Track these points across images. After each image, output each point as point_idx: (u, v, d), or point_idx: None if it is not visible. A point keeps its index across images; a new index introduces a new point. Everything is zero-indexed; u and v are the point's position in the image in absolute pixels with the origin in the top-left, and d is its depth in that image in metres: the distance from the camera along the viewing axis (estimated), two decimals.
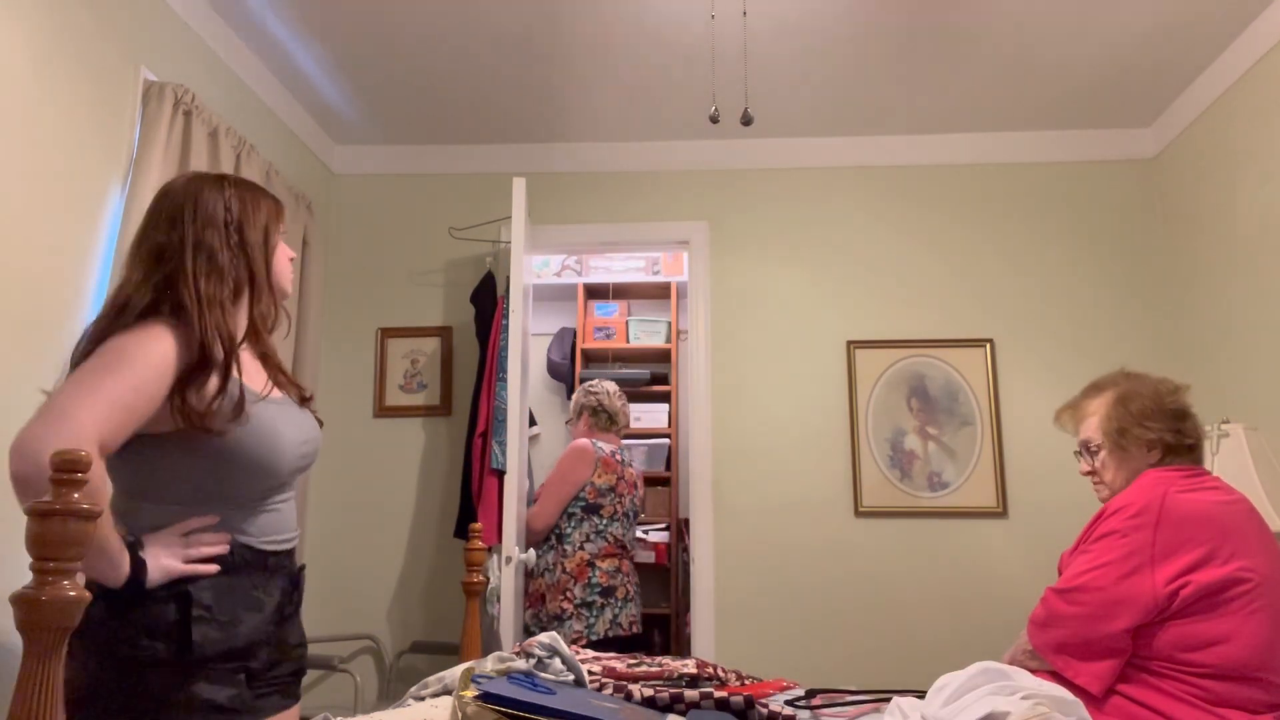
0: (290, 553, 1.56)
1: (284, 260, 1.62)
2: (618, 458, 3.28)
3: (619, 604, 3.10)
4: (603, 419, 3.32)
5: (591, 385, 3.43)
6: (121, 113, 2.43)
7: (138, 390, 1.31)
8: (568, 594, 3.05)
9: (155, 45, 2.59)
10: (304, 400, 1.62)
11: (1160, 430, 1.89)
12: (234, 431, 1.41)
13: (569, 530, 3.15)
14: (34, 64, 2.10)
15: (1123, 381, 1.98)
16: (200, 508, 1.42)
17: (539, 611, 3.10)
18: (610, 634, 3.03)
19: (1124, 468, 1.94)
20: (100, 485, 1.26)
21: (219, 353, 1.40)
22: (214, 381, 1.39)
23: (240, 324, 1.52)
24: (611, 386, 3.43)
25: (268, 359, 1.58)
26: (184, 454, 1.40)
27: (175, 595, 1.35)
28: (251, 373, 1.51)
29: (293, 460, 1.51)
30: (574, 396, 3.47)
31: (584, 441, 3.24)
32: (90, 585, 1.32)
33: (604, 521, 3.17)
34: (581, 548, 3.12)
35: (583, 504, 3.16)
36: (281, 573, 1.53)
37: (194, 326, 1.40)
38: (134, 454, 1.39)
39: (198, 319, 1.41)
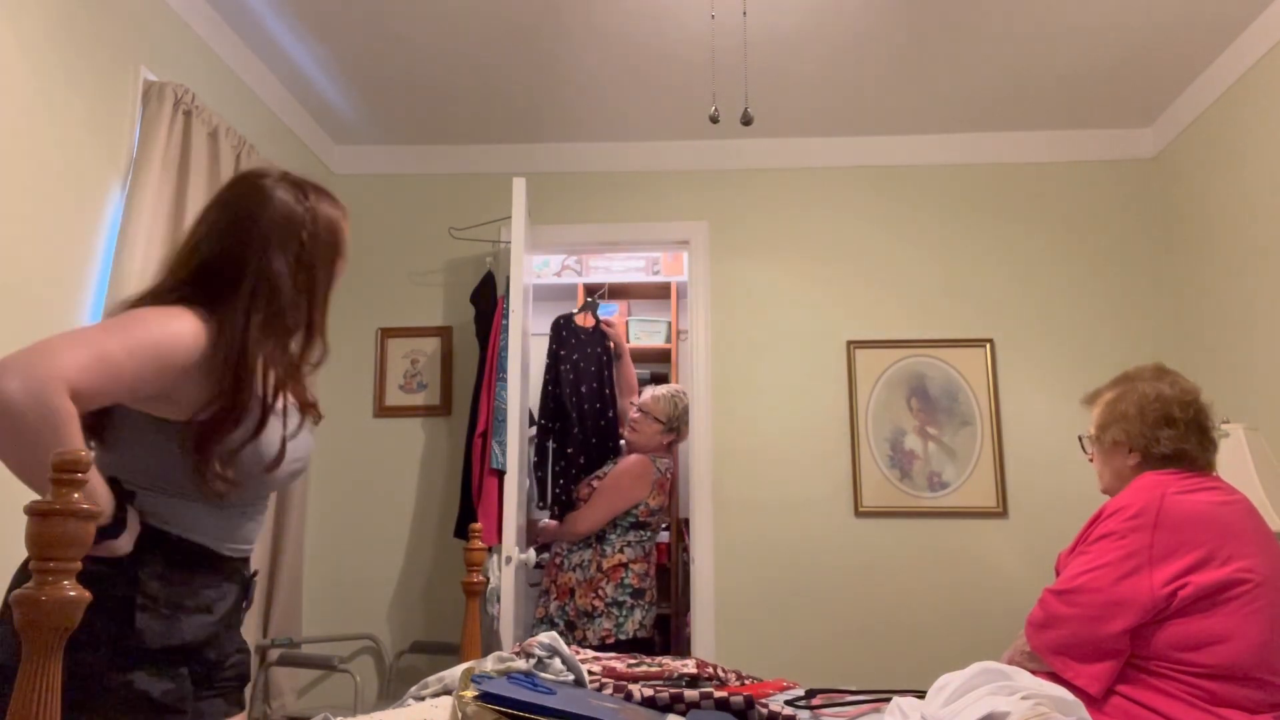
0: (246, 560, 1.48)
1: None
2: (669, 474, 3.34)
3: (646, 607, 3.17)
4: (674, 440, 3.38)
5: (682, 398, 3.43)
6: (121, 113, 2.43)
7: (132, 354, 1.21)
8: (600, 591, 3.11)
9: (155, 45, 2.59)
10: (307, 406, 1.51)
11: (1135, 435, 1.89)
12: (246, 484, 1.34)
13: (612, 536, 3.21)
14: (34, 64, 2.10)
15: (1136, 379, 1.97)
16: (183, 500, 1.34)
17: (565, 605, 3.14)
18: (638, 634, 3.11)
19: (1108, 464, 1.98)
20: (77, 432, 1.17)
21: (255, 408, 1.32)
22: (241, 436, 1.31)
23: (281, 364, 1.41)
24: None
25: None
26: (177, 444, 1.31)
27: (124, 577, 1.27)
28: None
29: (283, 477, 1.44)
30: (668, 398, 3.40)
31: (645, 460, 3.28)
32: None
33: (648, 535, 3.28)
34: (620, 551, 3.19)
35: (632, 519, 3.22)
36: (235, 579, 1.44)
37: (231, 369, 1.29)
38: (126, 435, 1.32)
39: (237, 363, 1.30)
